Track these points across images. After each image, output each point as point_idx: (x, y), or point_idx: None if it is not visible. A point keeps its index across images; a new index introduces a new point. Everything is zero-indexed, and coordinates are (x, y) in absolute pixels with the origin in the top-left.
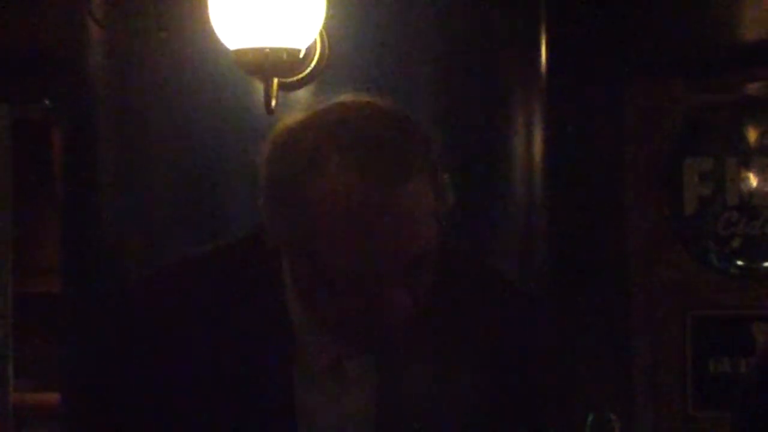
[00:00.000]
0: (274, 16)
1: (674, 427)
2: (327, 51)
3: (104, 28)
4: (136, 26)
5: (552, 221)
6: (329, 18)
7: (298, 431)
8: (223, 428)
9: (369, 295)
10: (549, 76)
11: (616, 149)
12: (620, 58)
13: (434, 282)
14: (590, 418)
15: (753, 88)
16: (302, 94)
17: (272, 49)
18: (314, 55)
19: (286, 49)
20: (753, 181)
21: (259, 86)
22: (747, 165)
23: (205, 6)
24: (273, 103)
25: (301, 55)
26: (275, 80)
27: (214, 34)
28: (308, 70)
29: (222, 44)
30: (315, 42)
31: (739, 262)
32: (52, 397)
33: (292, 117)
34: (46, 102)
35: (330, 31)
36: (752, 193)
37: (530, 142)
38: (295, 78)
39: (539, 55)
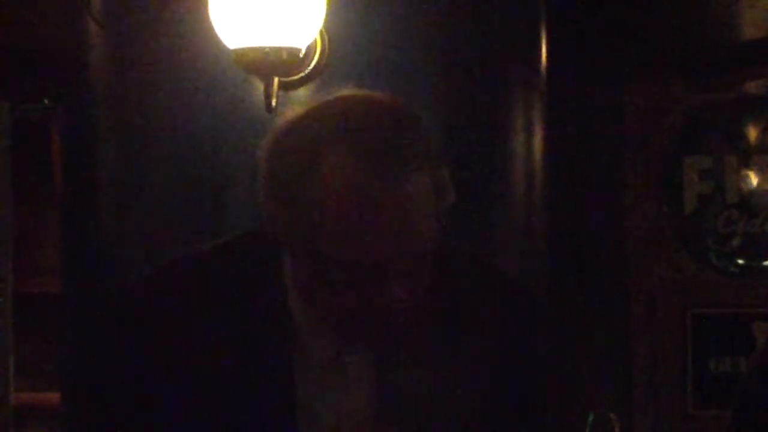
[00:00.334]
0: (274, 16)
1: (674, 427)
2: (327, 50)
3: (104, 28)
4: (136, 26)
5: (552, 221)
6: (329, 17)
7: (297, 427)
8: (223, 425)
9: (368, 289)
10: (549, 76)
11: (616, 149)
12: (620, 58)
13: (434, 279)
14: (590, 418)
15: (752, 86)
16: (302, 93)
17: (272, 49)
18: (314, 55)
19: (286, 49)
20: (753, 179)
21: (259, 85)
22: (747, 163)
23: (205, 5)
24: (273, 102)
25: (301, 55)
26: (275, 79)
27: (214, 33)
28: (308, 69)
29: (222, 43)
30: (315, 41)
31: (739, 261)
32: (52, 397)
33: (293, 112)
34: (46, 102)
35: (330, 30)
36: (752, 192)
37: (530, 142)
38: (295, 77)
39: (539, 55)
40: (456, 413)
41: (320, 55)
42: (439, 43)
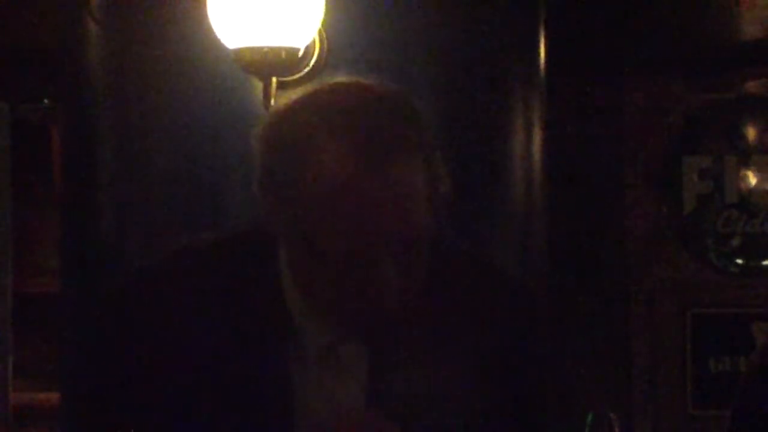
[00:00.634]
0: (273, 15)
1: (674, 427)
2: (326, 50)
3: (104, 28)
4: (137, 26)
5: (552, 221)
6: (328, 17)
7: (293, 416)
8: (221, 415)
9: (362, 276)
10: (549, 75)
11: (616, 149)
12: (620, 58)
13: (433, 278)
14: (590, 418)
15: (752, 86)
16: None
17: (271, 48)
18: (313, 54)
19: (284, 48)
20: (752, 179)
21: (258, 85)
22: (746, 163)
23: (204, 5)
24: (272, 102)
25: (300, 54)
26: (274, 79)
27: (213, 33)
28: (307, 69)
29: (221, 43)
30: (314, 41)
31: (739, 261)
32: (52, 397)
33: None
34: (46, 102)
35: (329, 30)
36: (751, 191)
37: (530, 141)
38: (293, 77)
39: (539, 55)
40: (454, 412)
41: (319, 54)
42: (439, 43)
